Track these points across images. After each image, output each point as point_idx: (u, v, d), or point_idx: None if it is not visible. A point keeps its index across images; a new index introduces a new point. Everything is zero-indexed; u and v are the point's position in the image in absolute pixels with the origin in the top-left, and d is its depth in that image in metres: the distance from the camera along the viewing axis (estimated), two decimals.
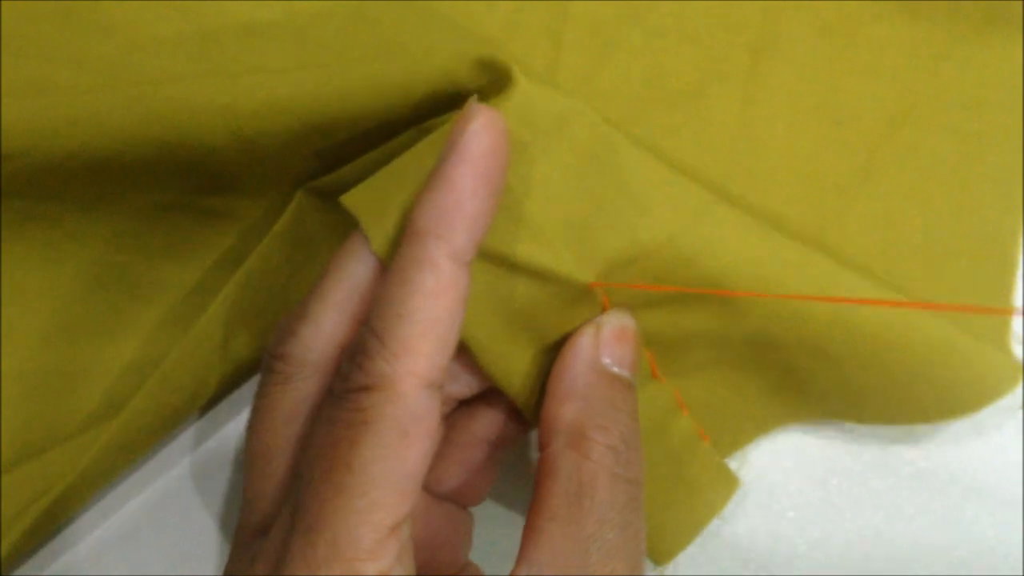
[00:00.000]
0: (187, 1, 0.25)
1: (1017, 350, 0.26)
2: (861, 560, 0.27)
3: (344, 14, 0.26)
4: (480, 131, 0.20)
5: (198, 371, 0.26)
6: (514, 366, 0.23)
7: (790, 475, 0.28)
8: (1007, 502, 0.27)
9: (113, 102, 0.23)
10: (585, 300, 0.23)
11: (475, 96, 0.21)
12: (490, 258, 0.22)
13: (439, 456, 0.24)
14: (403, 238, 0.20)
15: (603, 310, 0.24)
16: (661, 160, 0.24)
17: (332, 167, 0.26)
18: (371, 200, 0.23)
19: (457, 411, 0.25)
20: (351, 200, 0.23)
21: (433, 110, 0.24)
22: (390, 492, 0.19)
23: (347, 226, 0.23)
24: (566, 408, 0.22)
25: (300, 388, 0.22)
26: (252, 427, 0.23)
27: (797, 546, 0.28)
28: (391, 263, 0.20)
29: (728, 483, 0.27)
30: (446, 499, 0.25)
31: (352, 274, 0.22)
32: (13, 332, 0.27)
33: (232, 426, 0.29)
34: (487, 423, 0.25)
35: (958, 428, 0.28)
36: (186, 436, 0.29)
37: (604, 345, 0.23)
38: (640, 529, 0.21)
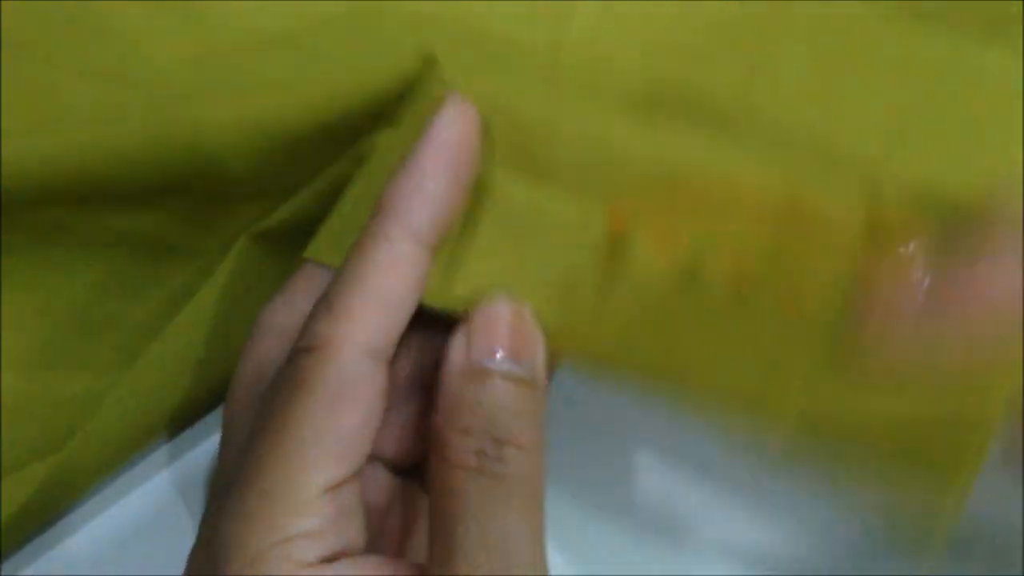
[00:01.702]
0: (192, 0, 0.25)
1: None
2: None
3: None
4: (451, 119, 0.21)
5: (142, 409, 0.26)
6: None
7: None
8: None
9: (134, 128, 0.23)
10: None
11: (454, 91, 0.22)
12: None
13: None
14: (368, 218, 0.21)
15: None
16: None
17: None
18: (334, 244, 0.23)
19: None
20: (315, 252, 0.23)
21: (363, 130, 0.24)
22: (322, 452, 0.20)
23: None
24: (435, 417, 0.21)
25: (261, 350, 0.23)
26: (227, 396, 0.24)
27: None
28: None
29: None
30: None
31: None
32: None
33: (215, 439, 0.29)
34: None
35: None
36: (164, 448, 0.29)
37: (474, 339, 0.21)
38: (511, 529, 0.20)
